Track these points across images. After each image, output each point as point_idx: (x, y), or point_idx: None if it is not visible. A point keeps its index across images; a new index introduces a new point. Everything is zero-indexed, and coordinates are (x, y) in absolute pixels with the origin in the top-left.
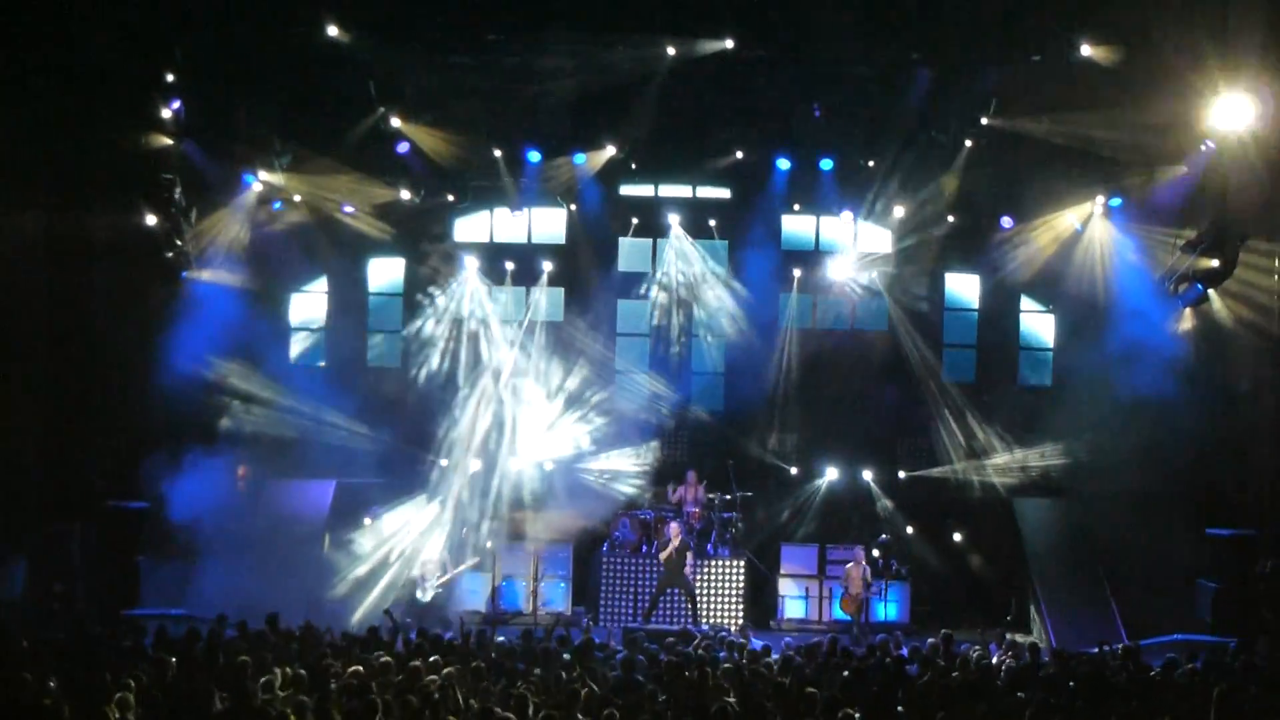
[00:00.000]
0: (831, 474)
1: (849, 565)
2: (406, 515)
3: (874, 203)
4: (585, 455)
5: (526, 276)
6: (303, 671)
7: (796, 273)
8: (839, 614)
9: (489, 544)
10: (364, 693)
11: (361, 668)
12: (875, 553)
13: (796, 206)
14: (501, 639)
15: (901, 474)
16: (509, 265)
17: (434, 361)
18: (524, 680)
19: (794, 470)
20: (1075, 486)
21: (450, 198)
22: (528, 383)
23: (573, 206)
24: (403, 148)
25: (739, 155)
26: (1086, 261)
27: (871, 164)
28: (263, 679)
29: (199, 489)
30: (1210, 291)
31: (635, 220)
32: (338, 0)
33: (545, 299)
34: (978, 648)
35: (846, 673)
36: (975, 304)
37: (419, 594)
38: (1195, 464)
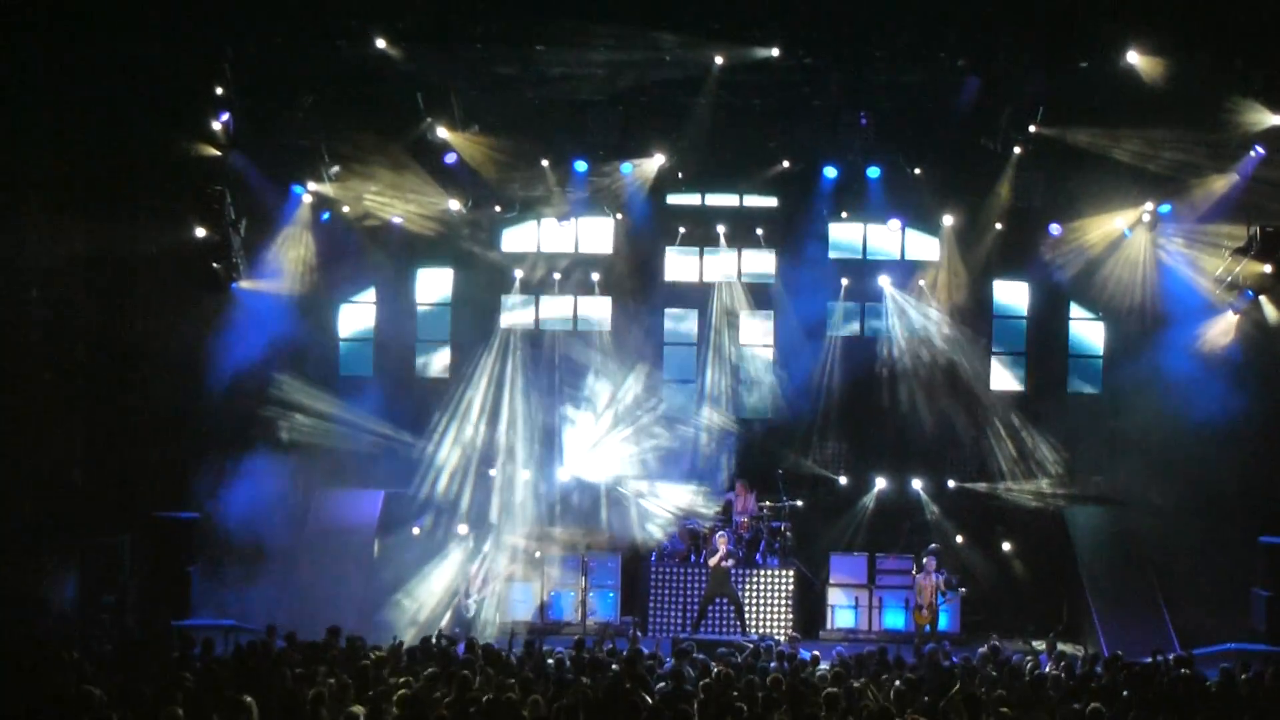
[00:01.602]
0: (881, 483)
1: (919, 577)
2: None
3: (922, 210)
4: (634, 467)
5: (574, 286)
6: (348, 680)
7: (844, 281)
8: (892, 624)
9: (537, 554)
10: (417, 705)
11: (414, 680)
12: (925, 562)
13: (844, 215)
14: (551, 649)
15: (951, 483)
16: (556, 275)
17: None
18: (574, 691)
19: (843, 480)
20: (1126, 494)
21: (498, 208)
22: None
23: (619, 216)
24: (450, 159)
25: (786, 164)
26: (1136, 268)
27: (919, 172)
28: (313, 691)
29: (249, 499)
30: (1261, 297)
31: (682, 230)
32: (386, 13)
33: (593, 308)
34: (1030, 658)
35: (899, 683)
36: (1024, 311)
37: (464, 609)
38: (1247, 470)
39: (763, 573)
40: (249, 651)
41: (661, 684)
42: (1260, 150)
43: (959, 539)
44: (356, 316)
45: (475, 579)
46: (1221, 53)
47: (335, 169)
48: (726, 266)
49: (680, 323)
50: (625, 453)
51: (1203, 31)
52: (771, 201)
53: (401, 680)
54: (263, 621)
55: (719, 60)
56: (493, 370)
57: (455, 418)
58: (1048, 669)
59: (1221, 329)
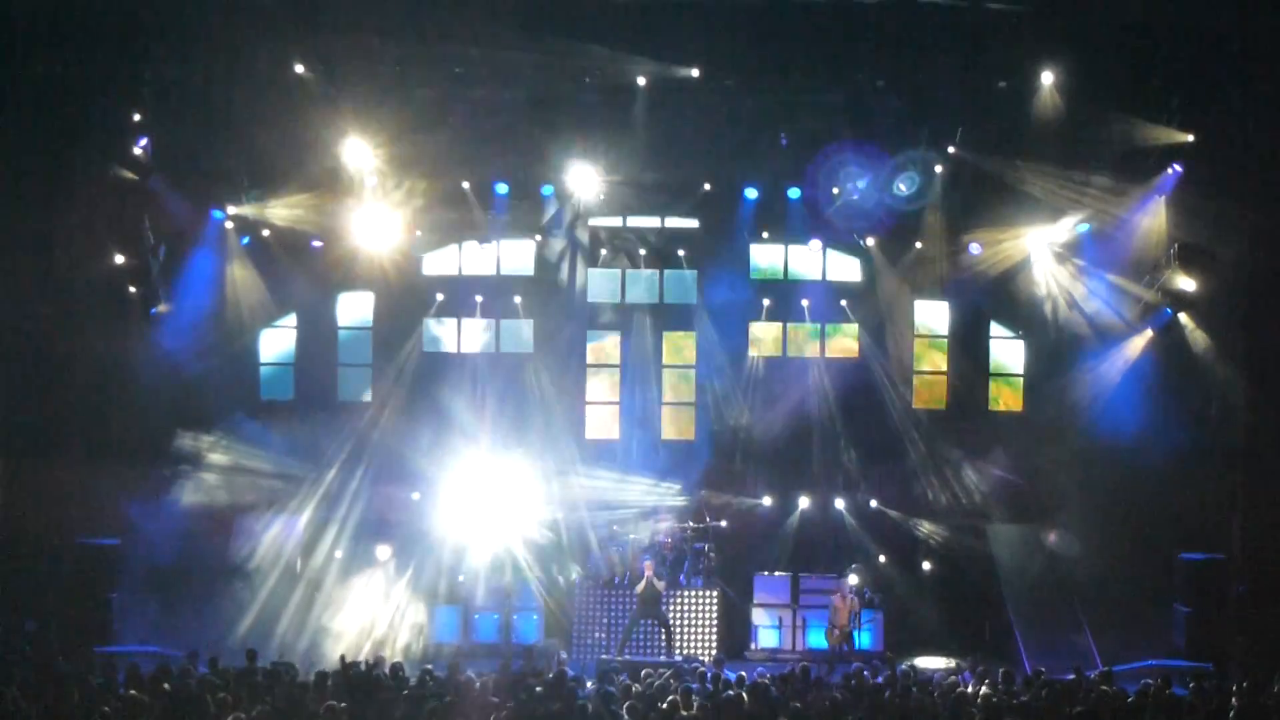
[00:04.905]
0: (804, 503)
1: (834, 598)
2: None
3: (842, 230)
4: (559, 491)
5: (496, 309)
6: (280, 706)
7: (766, 302)
8: (815, 643)
9: (460, 578)
10: None
11: (339, 704)
12: (853, 581)
13: (765, 235)
14: (477, 671)
15: (873, 502)
16: (478, 298)
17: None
18: (498, 713)
19: (766, 500)
20: (1047, 512)
21: (419, 231)
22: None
23: (540, 238)
24: (370, 181)
25: (707, 186)
26: (1056, 287)
27: (838, 191)
28: (234, 715)
29: (171, 524)
30: (1180, 315)
31: (604, 251)
32: (305, 36)
33: (515, 331)
34: (952, 675)
35: (828, 702)
36: (945, 330)
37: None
38: (1166, 487)
39: (686, 594)
40: (171, 678)
41: (585, 704)
42: (1177, 169)
43: (881, 558)
44: (277, 340)
45: (397, 601)
46: (1137, 72)
47: (255, 192)
48: (648, 288)
49: (601, 344)
50: (549, 475)
51: (1118, 51)
52: (692, 222)
53: (326, 705)
54: (186, 647)
55: (641, 81)
56: (411, 394)
57: (373, 442)
58: (970, 687)
59: (1140, 347)
